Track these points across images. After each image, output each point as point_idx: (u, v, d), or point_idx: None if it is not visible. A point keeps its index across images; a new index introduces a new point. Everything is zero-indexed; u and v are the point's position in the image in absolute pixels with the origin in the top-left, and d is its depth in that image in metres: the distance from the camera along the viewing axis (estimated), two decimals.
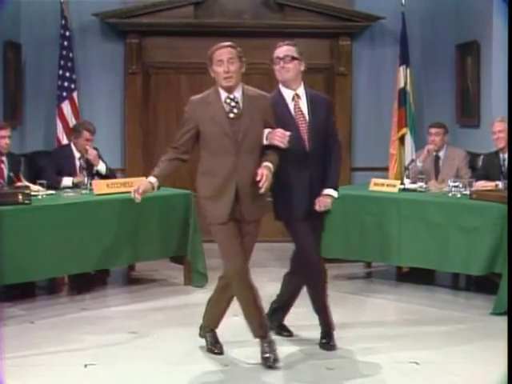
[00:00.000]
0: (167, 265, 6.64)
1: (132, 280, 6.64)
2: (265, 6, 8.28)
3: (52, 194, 6.05)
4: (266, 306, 5.68)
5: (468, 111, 7.88)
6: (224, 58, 4.31)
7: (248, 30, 8.09)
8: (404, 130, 8.17)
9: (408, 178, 6.58)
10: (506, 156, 6.32)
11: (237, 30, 8.08)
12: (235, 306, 5.61)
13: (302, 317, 5.02)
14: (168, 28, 8.13)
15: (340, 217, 6.02)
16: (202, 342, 4.84)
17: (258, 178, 4.19)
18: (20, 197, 5.56)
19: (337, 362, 4.56)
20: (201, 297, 6.05)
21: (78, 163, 6.60)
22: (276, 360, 4.40)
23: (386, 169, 8.07)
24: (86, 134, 6.63)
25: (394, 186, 6.34)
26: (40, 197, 5.86)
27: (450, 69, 8.19)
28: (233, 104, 4.31)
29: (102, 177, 6.64)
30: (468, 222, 5.72)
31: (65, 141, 7.61)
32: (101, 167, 6.66)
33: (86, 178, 6.33)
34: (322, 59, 8.10)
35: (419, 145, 7.72)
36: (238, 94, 4.34)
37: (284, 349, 4.65)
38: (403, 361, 4.54)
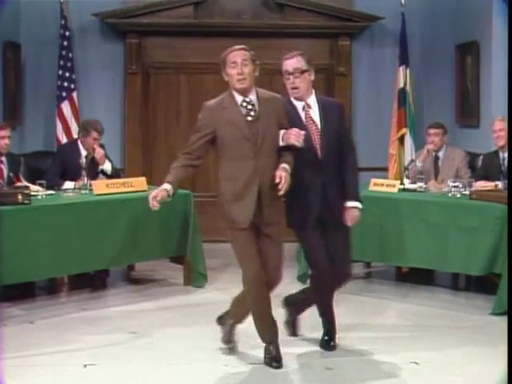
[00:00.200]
0: (167, 265, 6.64)
1: (132, 280, 6.64)
2: (264, 6, 8.28)
3: (52, 194, 6.04)
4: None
5: (468, 111, 7.88)
6: (238, 60, 4.29)
7: (248, 30, 8.10)
8: (404, 130, 8.17)
9: (408, 178, 6.58)
10: (506, 155, 6.32)
11: (236, 30, 8.09)
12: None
13: (302, 316, 5.01)
14: (168, 28, 8.14)
15: None
16: (202, 341, 4.84)
17: (277, 181, 4.19)
18: (20, 197, 5.56)
19: (336, 362, 4.55)
20: (200, 297, 6.07)
21: (83, 160, 6.57)
22: (279, 362, 4.41)
23: (385, 169, 8.08)
24: (94, 134, 6.61)
25: (394, 186, 6.34)
26: (40, 197, 5.86)
27: (449, 69, 8.19)
28: (249, 107, 4.30)
29: (107, 176, 6.64)
30: (468, 222, 5.71)
31: (64, 140, 7.61)
32: (106, 166, 6.64)
33: (86, 179, 6.32)
34: (321, 59, 8.09)
35: (419, 145, 7.72)
36: (253, 96, 4.32)
37: (284, 349, 4.64)
38: (403, 361, 4.54)
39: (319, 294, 4.73)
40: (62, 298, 6.18)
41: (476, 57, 7.63)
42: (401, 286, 6.40)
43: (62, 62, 7.92)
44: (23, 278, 5.61)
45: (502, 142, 6.30)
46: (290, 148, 4.33)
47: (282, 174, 4.20)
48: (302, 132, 4.32)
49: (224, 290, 6.05)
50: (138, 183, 6.36)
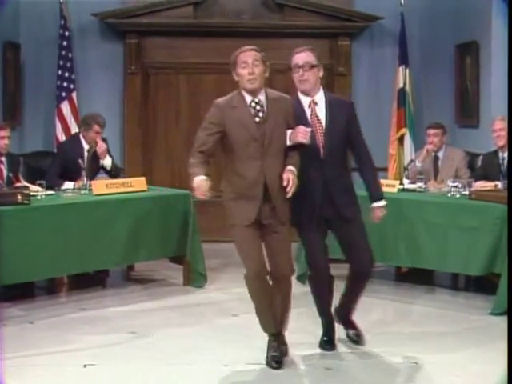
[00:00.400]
0: (166, 265, 6.64)
1: (131, 280, 6.63)
2: (264, 6, 8.28)
3: (51, 195, 6.04)
4: None
5: (467, 111, 7.88)
6: (249, 60, 4.30)
7: (247, 31, 8.10)
8: (403, 131, 8.18)
9: (407, 178, 6.58)
10: (506, 155, 6.32)
11: (236, 30, 8.09)
12: (233, 306, 5.63)
13: (301, 317, 5.02)
14: (167, 28, 8.14)
15: None
16: (202, 341, 4.84)
17: (285, 183, 4.22)
18: (19, 197, 5.56)
19: (336, 363, 4.55)
20: (200, 297, 6.07)
21: (86, 154, 6.57)
22: (279, 363, 4.41)
23: (385, 169, 8.08)
24: (96, 127, 6.61)
25: (394, 186, 6.34)
26: (39, 197, 5.86)
27: (449, 69, 8.19)
28: (258, 108, 4.30)
29: (106, 172, 6.65)
30: (467, 222, 5.71)
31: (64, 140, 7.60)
32: (106, 162, 6.65)
33: (85, 179, 6.32)
34: (321, 59, 7.97)
35: (418, 145, 7.73)
36: (262, 97, 4.33)
37: (283, 349, 4.65)
38: (403, 361, 4.55)
39: (317, 294, 4.72)
40: (62, 298, 6.18)
41: (476, 57, 7.63)
42: (400, 286, 6.40)
43: (61, 62, 7.92)
44: (23, 278, 5.61)
45: (502, 141, 6.31)
46: (296, 147, 4.34)
47: (290, 177, 4.22)
48: (308, 129, 4.33)
49: (224, 289, 6.05)
50: (138, 183, 6.36)
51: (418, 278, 6.42)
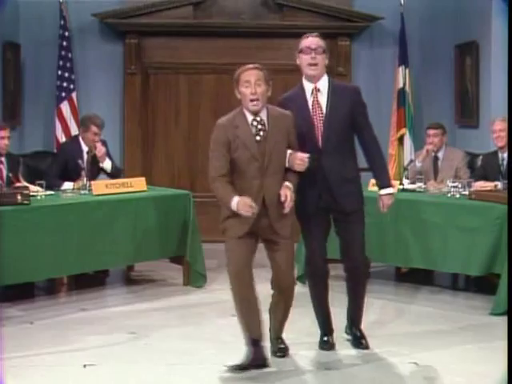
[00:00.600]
0: (166, 265, 6.64)
1: (131, 280, 6.63)
2: (264, 6, 8.28)
3: (51, 195, 6.04)
4: (263, 306, 5.70)
5: (467, 111, 7.88)
6: (252, 79, 4.29)
7: (247, 31, 8.11)
8: (403, 131, 8.18)
9: (407, 178, 6.57)
10: (505, 155, 6.32)
11: (236, 30, 8.10)
12: (233, 305, 5.62)
13: (301, 317, 5.01)
14: (167, 28, 8.14)
15: None
16: (202, 342, 4.84)
17: (283, 199, 4.24)
18: (19, 197, 5.56)
19: (336, 363, 4.55)
20: (200, 297, 6.07)
21: (85, 157, 6.57)
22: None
23: None
24: (94, 129, 6.60)
25: (394, 186, 6.33)
26: (39, 197, 5.86)
27: (449, 69, 8.19)
28: (259, 127, 4.30)
29: (107, 174, 6.64)
30: (467, 222, 5.71)
31: (63, 141, 7.60)
32: (106, 165, 6.65)
33: (85, 179, 6.32)
34: None
35: (418, 145, 7.73)
36: (264, 116, 4.33)
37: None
38: (403, 361, 4.54)
39: (313, 292, 4.71)
40: (62, 298, 6.17)
41: (475, 57, 7.63)
42: (400, 286, 6.40)
43: (61, 63, 7.93)
44: (23, 278, 5.61)
45: (502, 142, 6.30)
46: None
47: (288, 193, 4.24)
48: (306, 156, 4.31)
49: (223, 290, 6.02)
50: (138, 183, 6.36)
51: (417, 278, 6.42)
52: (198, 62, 8.18)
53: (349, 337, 4.86)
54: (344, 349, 4.76)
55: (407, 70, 8.17)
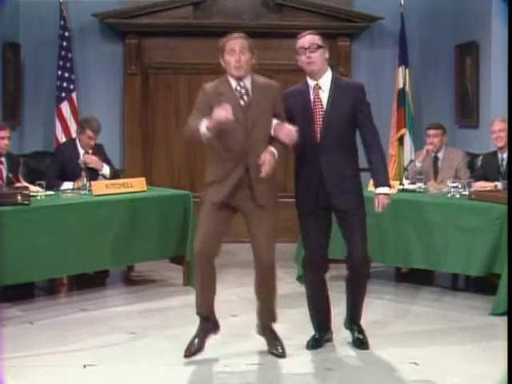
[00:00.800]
0: (166, 265, 6.63)
1: (131, 281, 6.63)
2: (264, 6, 8.28)
3: (51, 195, 6.04)
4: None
5: (467, 112, 7.88)
6: (236, 47, 4.38)
7: (247, 31, 7.99)
8: (403, 131, 8.18)
9: (407, 178, 6.57)
10: (505, 156, 6.33)
11: (236, 30, 8.06)
12: (233, 306, 5.63)
13: (301, 317, 5.01)
14: (167, 28, 8.14)
15: None
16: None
17: (261, 162, 4.26)
18: (19, 197, 5.56)
19: (336, 363, 4.55)
20: None
21: (81, 158, 6.57)
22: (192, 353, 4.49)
23: None
24: (89, 133, 6.60)
25: (393, 186, 6.33)
26: (39, 197, 5.85)
27: (449, 69, 8.19)
28: (243, 91, 4.38)
29: (106, 180, 6.63)
30: (467, 222, 5.71)
31: (63, 141, 7.60)
32: (105, 171, 6.63)
33: (85, 179, 6.32)
34: None
35: (418, 145, 7.73)
36: (247, 82, 4.40)
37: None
38: (403, 361, 4.54)
39: (308, 289, 4.70)
40: (62, 298, 6.18)
41: (475, 57, 7.63)
42: (400, 287, 6.40)
43: (61, 63, 7.92)
44: (23, 278, 5.61)
45: (502, 142, 6.31)
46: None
47: (266, 157, 4.27)
48: (293, 129, 4.32)
49: (223, 290, 6.01)
50: (138, 184, 6.36)
51: (417, 278, 6.42)
52: (197, 62, 8.18)
53: (348, 333, 4.84)
54: (344, 349, 4.76)
55: (407, 70, 8.17)
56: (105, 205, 5.97)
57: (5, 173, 6.22)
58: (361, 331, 4.79)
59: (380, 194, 4.52)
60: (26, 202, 5.57)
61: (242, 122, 4.33)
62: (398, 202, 6.05)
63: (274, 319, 4.62)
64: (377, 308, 5.74)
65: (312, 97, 4.50)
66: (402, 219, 6.00)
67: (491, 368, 4.34)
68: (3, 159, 6.25)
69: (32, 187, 6.04)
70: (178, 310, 5.72)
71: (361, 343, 4.74)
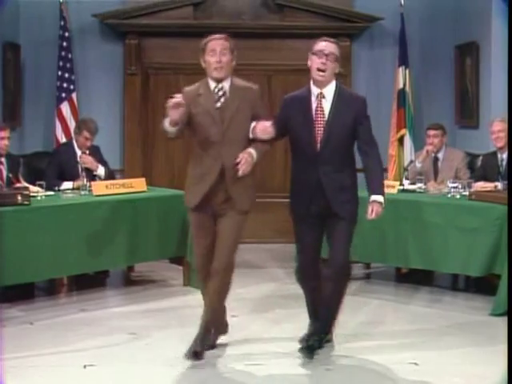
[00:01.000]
0: (166, 266, 6.64)
1: (131, 281, 6.63)
2: (264, 6, 8.28)
3: (51, 195, 6.04)
4: (262, 307, 5.70)
5: (467, 112, 7.88)
6: (217, 48, 4.39)
7: (247, 31, 8.10)
8: (403, 131, 8.18)
9: (407, 178, 6.58)
10: (505, 156, 6.33)
11: (236, 30, 8.03)
12: (233, 306, 5.62)
13: (300, 318, 5.01)
14: (167, 29, 8.14)
15: None
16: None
17: (238, 161, 4.28)
18: (19, 198, 5.56)
19: (336, 363, 4.55)
20: (200, 298, 6.03)
21: (79, 159, 6.59)
22: (192, 354, 4.46)
23: (385, 170, 8.07)
24: (86, 134, 6.61)
25: (393, 186, 6.34)
26: (39, 198, 5.85)
27: (449, 70, 8.20)
28: (220, 93, 4.40)
29: (101, 180, 6.63)
30: (467, 222, 5.71)
31: (63, 141, 7.60)
32: (100, 172, 6.64)
33: (85, 179, 6.33)
34: None
35: (418, 145, 7.73)
36: (226, 84, 4.42)
37: (283, 349, 4.65)
38: (403, 361, 4.54)
39: (304, 294, 4.70)
40: (62, 298, 6.18)
41: (475, 57, 7.63)
42: (400, 287, 6.40)
43: (61, 63, 7.92)
44: (23, 278, 5.61)
45: (501, 143, 6.31)
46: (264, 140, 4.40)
47: (244, 156, 4.29)
48: (267, 123, 4.33)
49: None
50: (138, 184, 6.36)
51: (417, 278, 6.42)
52: (198, 63, 8.04)
53: (348, 333, 4.83)
54: (344, 349, 4.76)
55: (407, 71, 8.16)
56: (105, 205, 5.97)
57: (5, 173, 6.22)
58: (320, 340, 4.62)
59: (375, 201, 4.46)
60: (26, 203, 5.57)
61: (218, 123, 4.35)
62: (398, 202, 6.06)
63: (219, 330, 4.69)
64: (377, 308, 5.75)
65: (314, 105, 4.47)
66: (402, 219, 6.00)
67: (491, 368, 4.34)
68: (3, 159, 6.25)
69: (32, 187, 6.04)
70: (178, 310, 5.72)
71: (308, 351, 4.55)
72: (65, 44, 7.93)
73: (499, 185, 6.12)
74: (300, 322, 5.00)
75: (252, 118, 4.41)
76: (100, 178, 6.59)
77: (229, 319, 4.93)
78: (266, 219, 8.06)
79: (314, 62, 4.44)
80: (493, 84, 7.21)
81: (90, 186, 6.17)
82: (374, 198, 4.46)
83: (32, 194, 5.76)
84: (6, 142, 6.22)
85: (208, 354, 4.64)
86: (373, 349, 4.77)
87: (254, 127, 4.38)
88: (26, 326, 5.30)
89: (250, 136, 4.40)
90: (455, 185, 6.07)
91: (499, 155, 6.40)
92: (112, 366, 4.48)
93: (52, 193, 6.11)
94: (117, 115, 8.24)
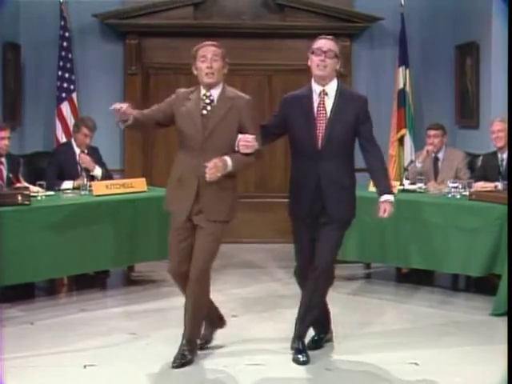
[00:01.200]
0: (166, 266, 6.56)
1: (131, 281, 6.63)
2: (264, 6, 8.27)
3: (51, 195, 6.04)
4: (262, 307, 5.70)
5: (467, 112, 7.88)
6: (208, 55, 4.37)
7: (247, 31, 8.11)
8: (403, 131, 8.17)
9: (407, 178, 6.57)
10: (505, 156, 6.33)
11: (236, 30, 8.09)
12: (233, 306, 5.63)
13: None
14: (167, 29, 8.14)
15: None
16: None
17: (207, 165, 4.22)
18: (19, 198, 5.56)
19: (336, 363, 4.55)
20: None
21: (78, 158, 6.60)
22: (183, 363, 4.41)
23: None
24: (85, 130, 6.63)
25: (394, 186, 6.33)
26: (39, 198, 5.86)
27: (449, 69, 8.20)
28: (207, 101, 4.37)
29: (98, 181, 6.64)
30: (467, 222, 5.71)
31: (64, 141, 7.60)
32: (96, 172, 6.64)
33: (85, 179, 6.33)
34: None
35: (418, 146, 7.73)
36: (215, 92, 4.39)
37: (283, 349, 4.65)
38: (403, 361, 4.54)
39: (302, 292, 4.67)
40: (62, 298, 6.18)
41: (476, 57, 7.63)
42: (401, 287, 6.40)
43: (61, 63, 7.92)
44: (23, 278, 5.61)
45: (501, 142, 6.31)
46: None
47: (215, 161, 4.22)
48: (250, 137, 4.29)
49: (223, 291, 6.04)
50: (138, 184, 6.36)
51: (418, 278, 6.42)
52: None
53: (348, 333, 4.82)
54: (344, 349, 4.76)
55: (407, 71, 8.16)
56: (105, 205, 5.97)
57: (5, 173, 6.22)
58: (303, 350, 4.57)
59: (386, 201, 4.48)
60: (26, 203, 5.57)
61: (199, 131, 4.32)
62: (398, 202, 5.98)
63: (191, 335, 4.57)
64: (377, 308, 5.75)
65: (316, 103, 4.45)
66: (403, 219, 5.99)
67: (491, 368, 4.34)
68: (3, 159, 6.25)
69: (32, 187, 6.04)
70: (178, 310, 5.66)
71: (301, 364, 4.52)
72: (65, 44, 7.92)
73: (499, 185, 6.12)
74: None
75: (239, 128, 4.35)
76: (97, 179, 6.59)
77: (229, 319, 4.93)
78: (266, 219, 8.07)
79: (314, 61, 4.44)
80: (493, 84, 7.21)
81: (90, 186, 6.17)
82: (384, 198, 4.49)
83: (32, 194, 5.76)
84: (6, 141, 6.22)
85: (208, 353, 4.64)
86: (373, 348, 4.77)
87: (238, 140, 4.32)
88: (26, 325, 5.30)
89: (236, 148, 4.33)
90: (455, 185, 6.07)
91: (499, 155, 6.40)
92: (112, 366, 4.48)
93: (52, 193, 6.11)
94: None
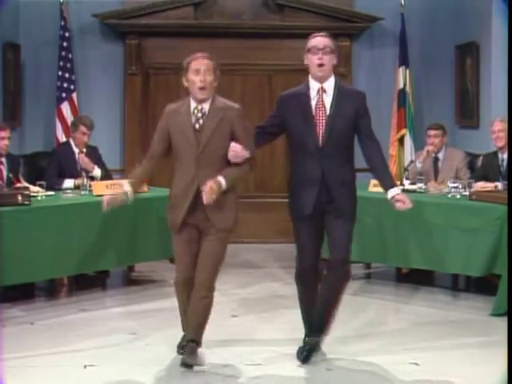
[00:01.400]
0: (166, 266, 6.61)
1: (131, 281, 6.63)
2: (264, 6, 8.28)
3: (51, 195, 6.04)
4: (263, 307, 5.70)
5: (467, 112, 7.88)
6: (202, 68, 4.34)
7: (247, 31, 8.11)
8: (403, 131, 8.18)
9: (407, 178, 6.57)
10: (505, 156, 6.33)
11: (236, 30, 8.10)
12: (233, 306, 5.63)
13: (300, 318, 5.01)
14: (167, 29, 8.14)
15: None
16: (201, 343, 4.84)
17: (203, 189, 4.22)
18: (19, 198, 5.56)
19: (336, 363, 4.55)
20: None
21: (77, 158, 6.61)
22: (186, 365, 4.37)
23: None
24: (83, 129, 6.64)
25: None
26: (39, 198, 5.86)
27: (449, 69, 8.19)
28: (199, 115, 4.36)
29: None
30: (467, 223, 5.71)
31: (64, 140, 7.61)
32: (95, 173, 6.64)
33: (85, 179, 6.33)
34: None
35: (418, 146, 7.73)
36: (206, 105, 4.37)
37: (283, 350, 4.65)
38: (403, 361, 4.54)
39: (299, 292, 4.66)
40: (62, 299, 6.17)
41: (476, 57, 7.63)
42: (401, 287, 6.40)
43: (61, 63, 7.93)
44: (23, 278, 5.61)
45: (501, 142, 6.31)
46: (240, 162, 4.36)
47: (210, 184, 4.21)
48: (239, 147, 4.29)
49: (223, 291, 6.03)
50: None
51: (418, 278, 6.42)
52: None
53: (348, 333, 4.81)
54: (344, 349, 4.76)
55: (407, 71, 8.17)
56: None
57: (5, 173, 6.22)
58: (312, 350, 4.57)
59: (397, 194, 4.44)
60: (26, 203, 5.57)
61: (193, 145, 4.32)
62: None
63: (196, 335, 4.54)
64: (377, 308, 5.75)
65: (315, 100, 4.43)
66: (403, 219, 5.98)
67: (491, 368, 4.34)
68: (3, 159, 6.25)
69: (32, 187, 6.04)
70: (178, 310, 5.72)
71: (304, 357, 4.54)
72: (65, 44, 7.93)
73: (499, 185, 6.12)
74: (300, 323, 4.99)
75: (231, 138, 4.34)
76: (96, 180, 6.59)
77: (229, 319, 4.93)
78: (266, 219, 8.07)
79: (311, 60, 4.43)
80: (493, 84, 7.20)
81: (89, 186, 6.17)
82: (394, 192, 4.45)
83: (32, 194, 5.76)
84: (6, 141, 6.22)
85: (208, 353, 4.64)
86: (373, 349, 4.77)
87: (229, 151, 4.33)
88: (26, 325, 5.30)
89: (229, 157, 4.34)
90: (455, 185, 6.06)
91: (500, 155, 6.39)
92: (112, 366, 4.49)
93: (52, 193, 6.11)
94: (117, 115, 8.25)
